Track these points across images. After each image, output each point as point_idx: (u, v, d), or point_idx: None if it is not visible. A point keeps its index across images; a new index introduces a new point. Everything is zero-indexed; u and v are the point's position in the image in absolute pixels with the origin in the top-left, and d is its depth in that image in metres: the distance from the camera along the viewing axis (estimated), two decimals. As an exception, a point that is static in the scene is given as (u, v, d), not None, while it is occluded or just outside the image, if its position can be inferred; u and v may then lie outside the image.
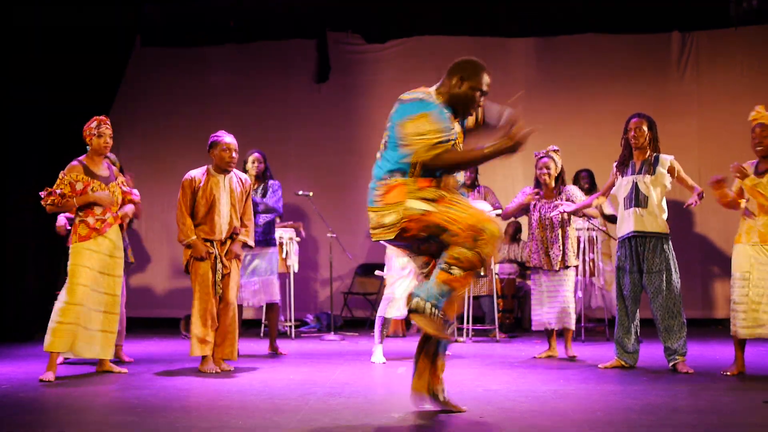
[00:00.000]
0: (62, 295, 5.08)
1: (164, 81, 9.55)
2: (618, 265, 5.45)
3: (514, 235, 8.78)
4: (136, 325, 7.95)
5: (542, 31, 9.30)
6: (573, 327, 6.02)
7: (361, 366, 5.66)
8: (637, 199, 5.30)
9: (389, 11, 9.45)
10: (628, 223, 5.35)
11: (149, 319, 8.97)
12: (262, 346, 6.83)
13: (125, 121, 9.32)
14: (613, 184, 5.55)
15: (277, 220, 7.17)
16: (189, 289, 5.48)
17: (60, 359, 5.58)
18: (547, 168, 6.07)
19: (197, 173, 5.46)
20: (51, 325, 5.01)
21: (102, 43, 8.42)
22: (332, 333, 7.87)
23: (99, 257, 5.18)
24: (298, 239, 7.79)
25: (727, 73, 8.95)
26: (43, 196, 5.14)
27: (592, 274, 7.36)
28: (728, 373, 5.05)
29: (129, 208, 5.55)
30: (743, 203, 5.23)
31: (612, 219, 7.39)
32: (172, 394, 4.40)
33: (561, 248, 5.99)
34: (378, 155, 3.71)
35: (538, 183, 6.16)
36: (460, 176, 3.77)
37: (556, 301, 6.03)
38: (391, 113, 3.67)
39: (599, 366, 5.44)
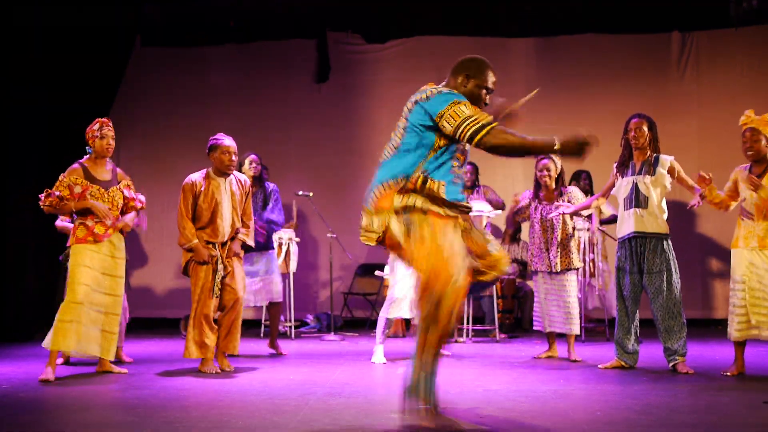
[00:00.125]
0: (66, 295, 5.11)
1: (164, 81, 9.55)
2: (618, 266, 5.45)
3: (513, 235, 8.78)
4: (136, 325, 7.94)
5: (542, 31, 9.30)
6: (576, 332, 6.00)
7: (362, 366, 5.66)
8: (637, 199, 5.30)
9: (389, 11, 9.45)
10: (628, 223, 5.35)
11: (149, 319, 8.97)
12: (262, 346, 6.83)
13: (125, 121, 9.31)
14: (613, 185, 5.55)
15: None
16: (189, 289, 5.49)
17: (59, 360, 5.59)
18: (548, 170, 6.06)
19: (197, 177, 5.46)
20: (55, 323, 5.03)
21: (102, 43, 8.42)
22: (332, 333, 7.86)
23: (100, 257, 5.19)
24: (297, 240, 7.79)
25: (727, 73, 8.95)
26: (42, 198, 5.15)
27: (592, 275, 7.36)
28: (728, 374, 5.06)
29: (128, 218, 5.44)
30: (733, 205, 5.24)
31: (612, 221, 7.39)
32: (172, 394, 4.40)
33: (560, 250, 5.97)
34: (384, 155, 3.61)
35: (538, 184, 6.15)
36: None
37: (558, 305, 6.01)
38: (406, 115, 3.55)
39: (599, 366, 5.44)
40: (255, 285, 6.59)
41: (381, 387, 4.84)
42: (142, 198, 5.54)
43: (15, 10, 7.64)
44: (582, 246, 7.10)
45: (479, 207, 7.09)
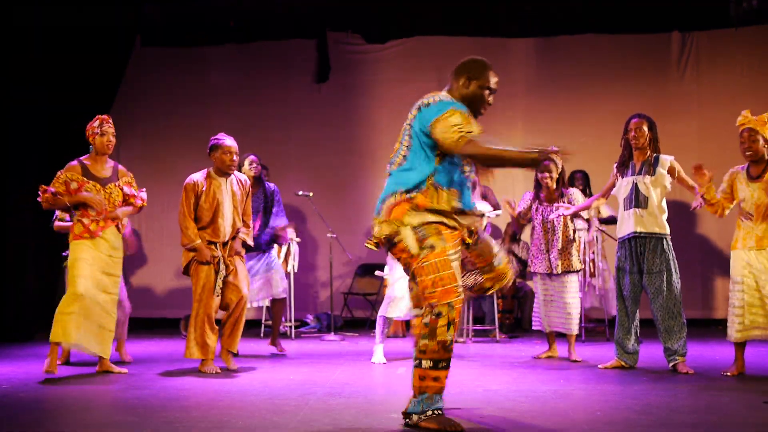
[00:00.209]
0: (67, 288, 5.13)
1: (164, 81, 9.55)
2: (618, 266, 5.45)
3: (513, 235, 8.78)
4: (137, 325, 7.94)
5: (542, 31, 9.30)
6: (576, 332, 5.99)
7: (362, 366, 5.66)
8: (637, 199, 5.30)
9: (389, 11, 9.45)
10: (628, 223, 5.35)
11: (150, 319, 8.97)
12: (262, 345, 6.83)
13: (125, 121, 9.30)
14: (613, 185, 5.54)
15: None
16: (189, 289, 5.49)
17: (60, 360, 5.58)
18: (549, 171, 6.05)
19: (199, 177, 5.46)
20: (55, 316, 5.03)
21: (102, 43, 8.42)
22: (332, 333, 7.87)
23: (98, 255, 5.18)
24: (297, 240, 7.79)
25: (727, 73, 8.95)
26: (40, 193, 5.16)
27: (592, 275, 7.36)
28: (728, 374, 5.06)
29: (122, 211, 5.36)
30: (729, 209, 5.23)
31: (609, 222, 7.39)
32: (172, 394, 4.40)
33: (561, 252, 5.97)
34: (389, 167, 3.68)
35: (538, 185, 6.14)
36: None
37: (558, 306, 6.00)
38: (410, 122, 3.59)
39: (599, 366, 5.44)
40: (256, 283, 6.60)
41: (381, 387, 4.84)
42: (144, 195, 5.50)
43: (15, 10, 7.64)
44: (582, 246, 7.10)
45: (479, 207, 7.09)
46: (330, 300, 8.31)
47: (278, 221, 6.67)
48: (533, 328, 6.25)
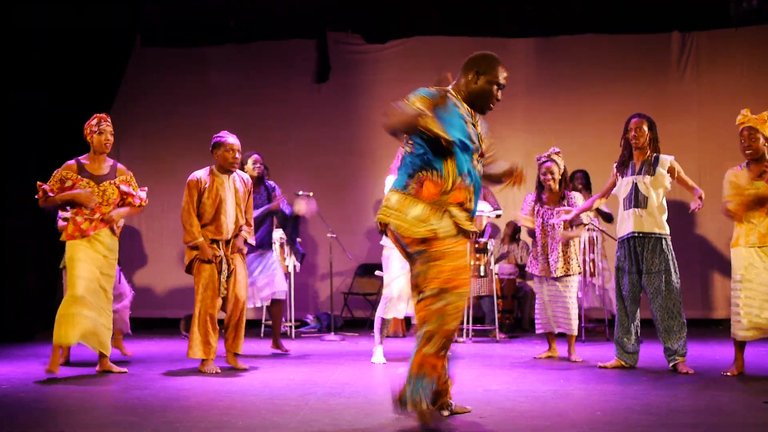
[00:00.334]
0: (67, 290, 5.13)
1: (164, 81, 9.55)
2: (617, 266, 5.45)
3: (513, 235, 8.78)
4: (137, 325, 7.93)
5: (542, 31, 9.30)
6: (575, 332, 5.99)
7: (362, 366, 5.66)
8: (636, 199, 5.30)
9: (389, 11, 9.45)
10: (627, 223, 5.35)
11: (149, 319, 8.97)
12: (262, 346, 6.83)
13: (125, 121, 9.31)
14: (613, 185, 5.54)
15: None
16: (189, 289, 5.49)
17: (61, 360, 5.58)
18: (551, 172, 6.03)
19: (202, 174, 5.46)
20: (57, 318, 5.03)
21: (102, 43, 8.42)
22: (332, 333, 7.87)
23: (92, 254, 5.15)
24: (297, 240, 7.79)
25: (727, 73, 8.95)
26: (38, 189, 5.15)
27: (592, 275, 7.36)
28: (728, 374, 5.05)
29: (117, 212, 5.27)
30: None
31: (605, 216, 7.38)
32: (172, 394, 4.40)
33: (561, 255, 5.96)
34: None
35: (541, 187, 6.13)
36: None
37: (558, 307, 6.00)
38: None
39: (599, 366, 5.44)
40: (259, 283, 6.61)
41: (381, 387, 4.83)
42: (143, 195, 5.44)
43: (15, 10, 7.64)
44: (582, 246, 7.09)
45: (479, 207, 7.08)
46: (330, 300, 8.31)
47: (284, 208, 6.76)
48: (537, 332, 6.20)
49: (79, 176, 5.16)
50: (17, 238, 7.85)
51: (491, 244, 7.37)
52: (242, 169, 6.58)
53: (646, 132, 5.34)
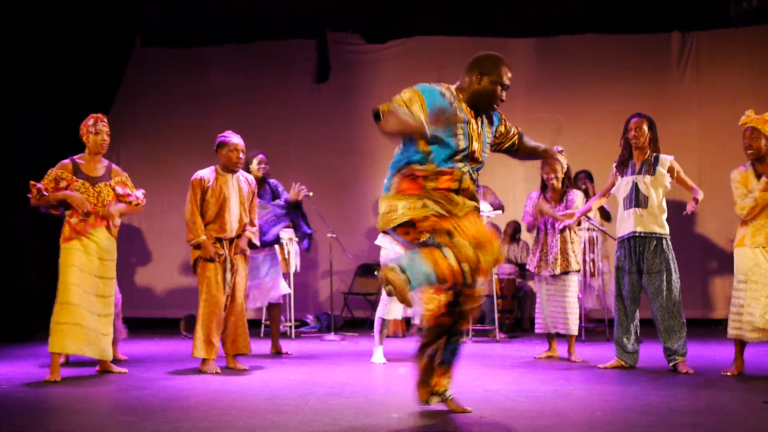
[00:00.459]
0: (57, 296, 5.03)
1: (164, 81, 9.55)
2: (617, 266, 5.45)
3: (513, 235, 8.78)
4: (137, 326, 7.94)
5: (542, 31, 9.30)
6: (576, 332, 5.98)
7: (361, 366, 5.66)
8: (637, 199, 5.30)
9: (389, 11, 9.45)
10: (627, 223, 5.35)
11: (149, 319, 8.97)
12: (262, 346, 6.83)
13: (125, 121, 9.32)
14: (612, 185, 5.54)
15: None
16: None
17: (61, 359, 5.57)
18: (554, 172, 6.03)
19: (206, 173, 5.46)
20: (51, 326, 4.99)
21: (102, 43, 8.42)
22: (332, 333, 7.87)
23: (87, 258, 5.09)
24: (297, 239, 7.79)
25: (727, 73, 8.95)
26: (30, 187, 5.10)
27: (592, 275, 7.35)
28: (728, 374, 5.05)
29: (115, 209, 5.24)
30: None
31: (605, 215, 7.38)
32: (172, 394, 4.40)
33: (560, 253, 5.96)
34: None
35: (544, 185, 6.13)
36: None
37: (558, 306, 6.00)
38: None
39: (599, 366, 5.44)
40: (262, 285, 6.61)
41: (381, 387, 4.84)
42: (139, 194, 5.38)
43: (15, 10, 7.64)
44: (582, 246, 7.09)
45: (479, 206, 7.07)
46: (330, 300, 8.31)
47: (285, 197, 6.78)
48: (536, 331, 6.22)
49: (74, 177, 5.11)
50: (17, 238, 7.84)
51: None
52: (247, 168, 6.60)
53: (646, 132, 5.34)
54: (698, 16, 9.06)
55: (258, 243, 5.74)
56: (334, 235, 8.00)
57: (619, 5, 9.02)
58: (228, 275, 5.36)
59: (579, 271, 6.07)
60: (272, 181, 6.86)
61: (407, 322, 8.17)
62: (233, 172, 5.51)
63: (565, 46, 9.26)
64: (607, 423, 3.58)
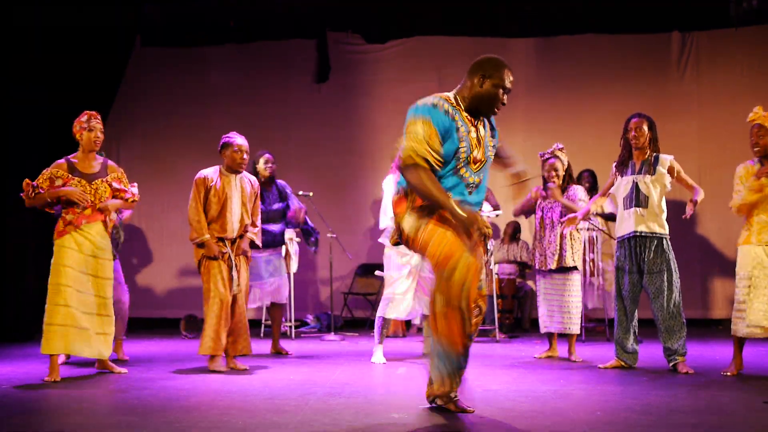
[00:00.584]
0: (48, 296, 4.99)
1: (164, 81, 9.56)
2: (617, 265, 5.45)
3: (513, 234, 8.79)
4: (137, 325, 7.94)
5: (542, 31, 9.30)
6: (576, 332, 5.97)
7: (362, 366, 5.66)
8: (637, 199, 5.30)
9: (389, 11, 9.45)
10: (628, 223, 5.34)
11: (149, 319, 8.97)
12: (262, 345, 6.83)
13: (125, 121, 9.33)
14: (612, 185, 5.54)
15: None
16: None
17: (62, 359, 5.57)
18: (555, 170, 6.02)
19: (209, 172, 5.47)
20: (44, 327, 4.96)
21: (102, 43, 8.41)
22: (332, 333, 7.87)
23: (81, 257, 5.05)
24: (298, 240, 7.80)
25: (727, 73, 8.95)
26: (23, 187, 5.05)
27: (592, 275, 7.35)
28: (727, 374, 5.05)
29: (112, 203, 5.21)
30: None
31: (612, 218, 7.38)
32: (172, 394, 4.40)
33: (557, 248, 5.95)
34: None
35: (546, 184, 6.13)
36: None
37: (558, 305, 5.99)
38: None
39: (599, 366, 5.44)
40: (266, 285, 6.62)
41: (381, 387, 4.84)
42: (135, 190, 5.36)
43: (15, 10, 7.64)
44: (582, 245, 7.09)
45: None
46: (330, 300, 8.32)
47: (295, 204, 6.81)
48: (542, 332, 6.17)
49: (70, 175, 5.07)
50: (17, 238, 7.84)
51: (491, 244, 7.37)
52: (254, 168, 6.61)
53: (646, 132, 5.34)
54: (698, 16, 9.06)
55: (260, 244, 5.75)
56: (334, 235, 8.00)
57: (619, 5, 9.02)
58: (234, 274, 5.36)
59: (577, 269, 6.01)
60: (280, 182, 6.85)
61: (407, 322, 8.17)
62: (237, 172, 5.52)
63: (565, 46, 9.26)
64: (607, 423, 3.58)
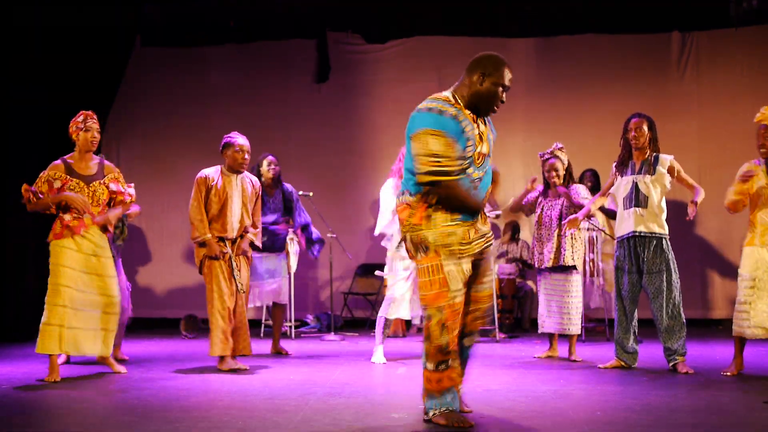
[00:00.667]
0: (47, 296, 4.97)
1: (164, 81, 9.55)
2: (617, 265, 5.44)
3: (513, 234, 8.78)
4: (137, 325, 7.94)
5: (542, 31, 9.30)
6: (576, 332, 5.96)
7: (362, 366, 5.66)
8: (637, 198, 5.30)
9: (389, 11, 9.45)
10: (627, 223, 5.34)
11: (149, 319, 8.97)
12: (261, 345, 6.83)
13: (125, 121, 9.33)
14: (612, 184, 5.54)
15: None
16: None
17: (62, 359, 5.57)
18: (555, 170, 6.01)
19: (211, 172, 5.47)
20: (40, 327, 4.94)
21: (102, 43, 8.42)
22: (332, 333, 7.87)
23: (81, 257, 5.02)
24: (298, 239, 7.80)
25: (727, 73, 8.95)
26: (23, 193, 5.02)
27: (592, 275, 7.35)
28: (728, 373, 5.05)
29: (113, 213, 5.21)
30: (745, 205, 5.19)
31: (613, 215, 7.37)
32: (172, 394, 4.40)
33: (554, 246, 5.94)
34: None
35: (547, 184, 6.12)
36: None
37: (557, 305, 5.98)
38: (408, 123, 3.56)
39: (599, 366, 5.44)
40: (265, 285, 6.62)
41: (381, 387, 4.84)
42: (131, 191, 5.34)
43: (15, 10, 7.64)
44: (584, 245, 7.08)
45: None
46: (330, 300, 8.32)
47: (302, 219, 6.83)
48: (540, 332, 6.17)
49: (68, 177, 5.03)
50: (17, 238, 7.84)
51: (493, 246, 7.36)
52: (258, 170, 6.61)
53: (646, 132, 5.34)
54: (698, 16, 9.05)
55: (260, 245, 5.75)
56: (334, 235, 8.00)
57: (619, 5, 9.01)
58: (235, 274, 5.36)
59: (576, 268, 5.98)
60: (288, 186, 6.82)
61: (407, 322, 8.16)
62: (238, 172, 5.52)
63: (565, 46, 9.26)
64: (607, 423, 3.58)
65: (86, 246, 5.07)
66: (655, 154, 5.35)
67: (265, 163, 6.68)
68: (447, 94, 3.57)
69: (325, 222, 7.98)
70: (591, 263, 7.33)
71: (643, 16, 9.04)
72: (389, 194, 5.96)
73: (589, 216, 6.07)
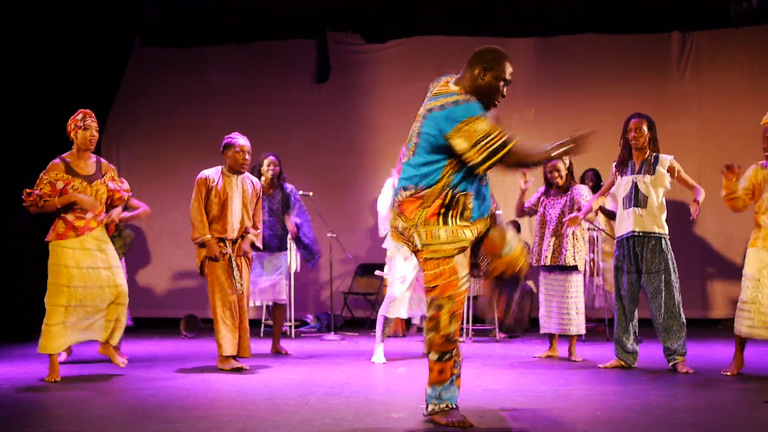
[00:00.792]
0: (48, 297, 4.95)
1: (164, 81, 9.55)
2: (616, 265, 5.44)
3: (513, 234, 8.77)
4: (137, 325, 7.94)
5: (542, 31, 9.30)
6: (576, 332, 5.95)
7: (362, 366, 5.66)
8: (636, 198, 5.30)
9: (389, 11, 9.45)
10: (627, 222, 5.35)
11: (149, 319, 8.96)
12: (261, 345, 6.83)
13: (125, 121, 9.33)
14: (612, 184, 5.54)
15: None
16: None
17: (62, 357, 5.57)
18: (557, 170, 6.02)
19: (211, 173, 5.47)
20: (42, 327, 4.94)
21: (102, 43, 8.42)
22: (332, 333, 7.87)
23: (85, 253, 5.00)
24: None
25: (727, 73, 8.95)
26: (24, 197, 4.99)
27: (592, 274, 7.34)
28: (728, 373, 5.06)
29: (115, 213, 5.20)
30: (749, 204, 5.18)
31: (613, 216, 7.37)
32: (172, 394, 4.40)
33: (553, 245, 5.94)
34: (408, 151, 3.58)
35: (549, 184, 6.12)
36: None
37: (557, 305, 5.97)
38: (420, 120, 3.51)
39: (599, 366, 5.45)
40: (265, 284, 6.62)
41: (381, 387, 4.84)
42: (126, 186, 5.32)
43: (15, 10, 7.64)
44: (586, 245, 7.08)
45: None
46: (330, 300, 8.32)
47: (299, 220, 6.81)
48: (541, 332, 6.17)
49: (69, 176, 4.99)
50: (17, 238, 7.84)
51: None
52: (259, 170, 6.61)
53: (646, 132, 5.34)
54: (698, 16, 9.05)
55: (260, 245, 5.75)
56: (334, 235, 8.00)
57: (619, 5, 9.01)
58: (236, 274, 5.36)
59: (577, 268, 5.98)
60: (289, 186, 6.83)
61: (407, 322, 8.16)
62: (239, 173, 5.52)
63: (565, 46, 9.26)
64: (607, 423, 3.58)
65: (88, 242, 5.04)
66: (655, 154, 5.35)
67: (265, 162, 6.68)
68: (453, 86, 3.52)
69: (325, 222, 7.98)
70: (591, 263, 7.33)
71: (643, 16, 9.04)
72: (390, 194, 5.97)
73: (590, 220, 6.08)
